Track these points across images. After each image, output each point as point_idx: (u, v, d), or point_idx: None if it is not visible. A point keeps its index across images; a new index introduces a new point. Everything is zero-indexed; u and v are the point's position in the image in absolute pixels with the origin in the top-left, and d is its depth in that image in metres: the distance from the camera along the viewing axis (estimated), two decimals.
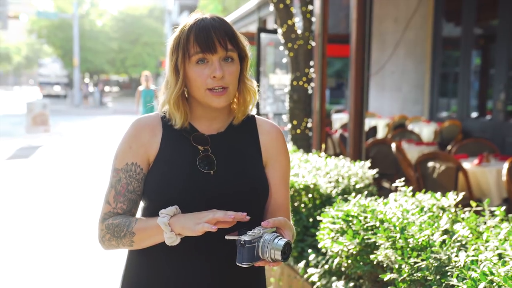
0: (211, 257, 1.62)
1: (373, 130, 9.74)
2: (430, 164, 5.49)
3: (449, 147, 7.57)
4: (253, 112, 1.79)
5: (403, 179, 2.89)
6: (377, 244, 2.25)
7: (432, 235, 2.11)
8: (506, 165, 5.05)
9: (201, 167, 1.63)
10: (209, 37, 1.59)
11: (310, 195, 3.46)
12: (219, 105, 1.62)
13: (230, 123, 1.73)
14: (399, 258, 2.02)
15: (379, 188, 6.26)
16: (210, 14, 1.67)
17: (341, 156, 4.42)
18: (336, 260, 2.52)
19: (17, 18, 38.82)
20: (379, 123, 10.74)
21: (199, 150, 1.66)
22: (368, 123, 10.14)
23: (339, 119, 12.24)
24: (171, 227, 1.51)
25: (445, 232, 2.24)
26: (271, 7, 5.80)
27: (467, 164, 5.51)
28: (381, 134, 10.32)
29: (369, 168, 3.94)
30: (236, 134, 1.72)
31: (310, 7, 5.70)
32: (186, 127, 1.67)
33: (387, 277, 2.07)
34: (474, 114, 10.45)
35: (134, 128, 1.69)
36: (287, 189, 1.78)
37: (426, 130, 9.68)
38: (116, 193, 1.65)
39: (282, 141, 1.78)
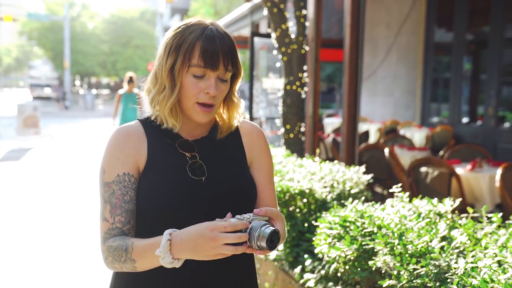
0: (200, 265, 1.59)
1: (365, 134, 9.76)
2: (423, 169, 5.50)
3: (441, 153, 7.60)
4: (247, 116, 1.79)
5: (400, 185, 2.88)
6: (375, 250, 2.24)
7: (431, 241, 2.10)
8: (499, 171, 5.07)
9: (192, 174, 1.61)
10: (215, 55, 1.55)
11: (305, 200, 3.44)
12: (202, 121, 1.62)
13: (212, 127, 1.72)
14: (398, 264, 2.01)
15: (372, 194, 6.26)
16: (212, 21, 1.63)
17: (335, 161, 4.42)
18: (333, 266, 2.51)
19: (8, 20, 38.60)
20: (371, 128, 10.77)
21: (187, 156, 1.64)
22: (360, 128, 10.16)
23: (331, 123, 12.28)
24: (171, 251, 1.41)
25: (443, 238, 2.24)
26: (265, 11, 5.80)
27: (460, 170, 5.52)
28: (373, 139, 10.35)
29: (363, 173, 3.93)
30: (219, 137, 1.72)
31: (304, 12, 5.71)
32: (172, 135, 1.65)
33: (386, 283, 2.06)
34: (465, 120, 10.50)
35: (118, 139, 1.63)
36: (273, 188, 1.78)
37: (417, 135, 9.71)
38: (112, 207, 1.57)
39: (263, 140, 1.80)
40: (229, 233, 1.37)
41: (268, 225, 1.42)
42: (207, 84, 1.57)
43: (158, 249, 1.40)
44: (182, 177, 1.60)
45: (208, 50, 1.55)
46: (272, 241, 1.40)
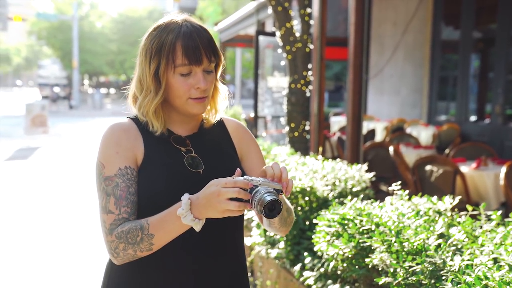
0: (194, 264, 1.63)
1: (372, 133, 9.74)
2: (428, 167, 5.48)
3: (447, 151, 7.56)
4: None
5: (399, 182, 2.88)
6: (372, 247, 2.24)
7: (428, 239, 2.10)
8: (504, 169, 5.05)
9: (190, 167, 1.64)
10: (197, 49, 1.59)
11: (306, 198, 3.45)
12: (199, 112, 1.66)
13: (201, 124, 1.77)
14: (394, 262, 2.01)
15: (377, 192, 6.24)
16: (185, 17, 1.66)
17: (338, 159, 4.41)
18: (332, 264, 2.51)
19: (17, 20, 38.79)
20: (377, 126, 10.74)
21: (182, 151, 1.67)
22: (367, 126, 10.14)
23: (338, 122, 12.25)
24: (191, 210, 1.46)
25: (441, 236, 2.23)
26: (270, 10, 5.80)
27: (465, 168, 5.50)
28: (379, 137, 10.32)
29: (367, 171, 3.92)
30: (209, 133, 1.76)
31: (308, 10, 5.70)
32: (164, 132, 1.67)
33: (382, 280, 2.06)
34: (472, 118, 10.45)
35: (114, 134, 1.64)
36: None
37: (424, 134, 9.67)
38: (116, 199, 1.57)
39: (249, 133, 1.87)
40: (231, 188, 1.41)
41: (273, 194, 1.42)
42: (196, 79, 1.61)
43: (180, 208, 1.45)
44: (180, 170, 1.63)
45: (189, 47, 1.58)
46: (271, 210, 1.41)
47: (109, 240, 1.55)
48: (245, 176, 1.47)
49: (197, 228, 1.47)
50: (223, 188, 1.41)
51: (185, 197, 1.46)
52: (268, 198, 1.40)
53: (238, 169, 1.52)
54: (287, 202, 1.73)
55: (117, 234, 1.53)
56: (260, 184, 1.44)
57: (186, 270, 1.63)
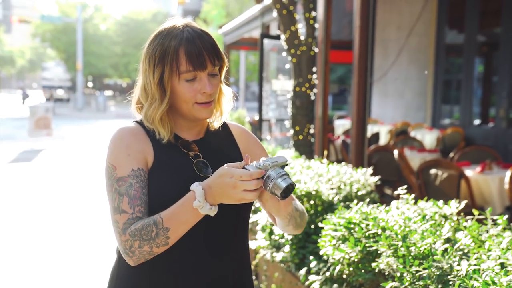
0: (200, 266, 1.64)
1: (376, 136, 9.74)
2: (432, 171, 5.48)
3: (451, 155, 7.56)
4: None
5: (405, 186, 2.88)
6: (378, 252, 2.24)
7: (434, 243, 2.09)
8: (508, 173, 5.04)
9: (200, 172, 1.65)
10: (201, 55, 1.59)
11: (312, 202, 3.44)
12: (206, 117, 1.67)
13: (207, 128, 1.78)
14: (401, 266, 2.01)
15: (381, 195, 6.23)
16: (185, 22, 1.67)
17: (343, 163, 4.41)
18: (338, 268, 2.51)
19: (22, 22, 38.90)
20: (381, 130, 10.74)
21: (190, 156, 1.68)
22: (371, 130, 10.14)
23: (342, 125, 12.25)
24: (206, 199, 1.48)
25: (447, 240, 2.23)
26: (275, 13, 5.80)
27: (469, 172, 5.49)
28: (383, 140, 10.32)
29: (371, 175, 3.92)
30: (215, 138, 1.77)
31: (313, 14, 5.70)
32: (170, 139, 1.67)
33: (388, 285, 2.06)
34: (476, 122, 10.43)
35: (124, 137, 1.64)
36: None
37: (428, 137, 9.67)
38: (130, 199, 1.55)
39: (254, 138, 1.89)
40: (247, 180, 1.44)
41: (285, 177, 1.47)
42: (201, 84, 1.62)
43: (195, 201, 1.47)
44: (189, 175, 1.63)
45: (192, 53, 1.59)
46: (286, 192, 1.47)
47: (123, 240, 1.53)
48: (254, 162, 1.49)
49: (213, 214, 1.50)
50: (239, 181, 1.44)
51: (198, 188, 1.47)
52: (283, 183, 1.46)
53: (247, 155, 1.54)
54: (299, 204, 1.74)
55: (130, 233, 1.52)
56: (269, 168, 1.48)
57: (193, 273, 1.63)
